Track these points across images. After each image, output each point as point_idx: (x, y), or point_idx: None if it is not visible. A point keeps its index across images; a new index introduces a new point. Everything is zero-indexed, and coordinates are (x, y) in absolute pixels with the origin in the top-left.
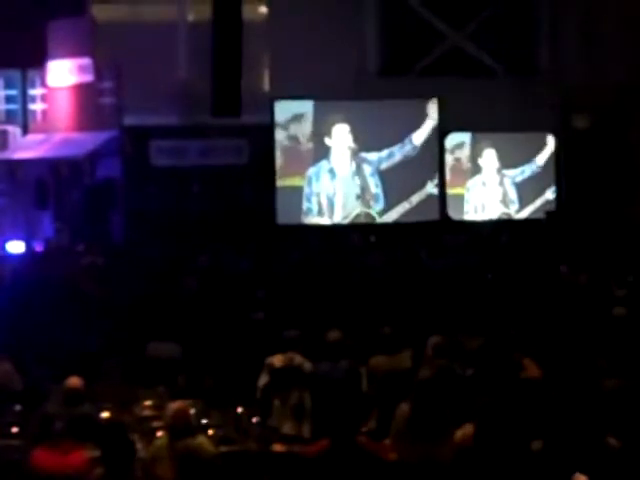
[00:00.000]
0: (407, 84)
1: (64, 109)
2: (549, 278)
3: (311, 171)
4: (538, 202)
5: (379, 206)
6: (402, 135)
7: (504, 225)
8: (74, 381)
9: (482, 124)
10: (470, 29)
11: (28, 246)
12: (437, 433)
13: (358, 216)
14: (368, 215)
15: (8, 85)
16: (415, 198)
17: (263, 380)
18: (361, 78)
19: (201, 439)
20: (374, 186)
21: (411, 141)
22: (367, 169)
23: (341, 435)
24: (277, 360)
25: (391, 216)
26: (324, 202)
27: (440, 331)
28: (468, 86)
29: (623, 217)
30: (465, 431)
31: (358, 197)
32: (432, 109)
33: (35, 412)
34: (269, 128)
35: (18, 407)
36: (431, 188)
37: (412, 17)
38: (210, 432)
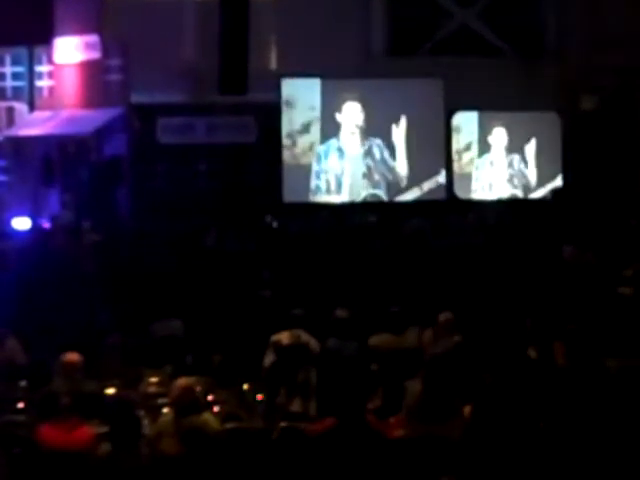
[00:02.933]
0: (414, 63)
1: (71, 86)
2: (555, 257)
3: (320, 149)
4: (545, 182)
5: (388, 188)
6: (410, 114)
7: (511, 204)
8: (71, 356)
9: (489, 104)
10: (478, 8)
11: (34, 223)
12: (448, 410)
13: (366, 197)
14: (376, 196)
15: (15, 62)
16: (426, 185)
17: (269, 359)
18: (368, 57)
19: (207, 416)
20: (383, 167)
21: (419, 121)
22: (377, 150)
23: (348, 413)
24: (284, 338)
25: (400, 199)
26: (332, 180)
27: (447, 309)
28: (475, 65)
29: (629, 198)
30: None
31: (365, 176)
32: (439, 88)
33: (40, 388)
34: (276, 106)
35: (23, 383)
36: (442, 178)
37: None
38: (216, 409)
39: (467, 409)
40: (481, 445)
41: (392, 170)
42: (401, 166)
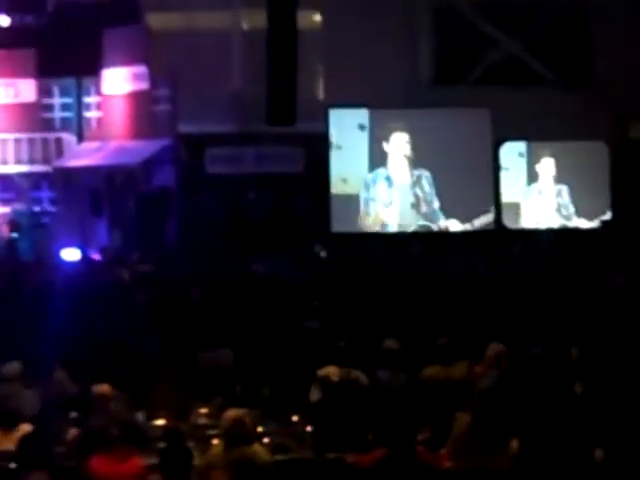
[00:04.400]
0: (460, 93)
1: (119, 117)
2: (604, 287)
3: (369, 177)
4: (594, 211)
5: (437, 220)
6: (457, 144)
7: (560, 234)
8: (102, 387)
9: (537, 133)
10: (524, 37)
11: (83, 254)
12: (496, 443)
13: (415, 227)
14: (424, 227)
15: (63, 93)
16: (475, 215)
17: (316, 394)
18: (414, 87)
19: (257, 447)
20: (432, 199)
21: (467, 151)
22: (425, 182)
23: (397, 444)
24: (332, 374)
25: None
26: (380, 210)
27: (497, 340)
28: (522, 95)
29: None
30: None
31: (413, 206)
32: (486, 118)
33: (90, 419)
34: (324, 136)
35: (74, 414)
36: (490, 208)
37: (465, 25)
38: (266, 440)
39: (515, 442)
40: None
41: (440, 200)
42: (449, 197)
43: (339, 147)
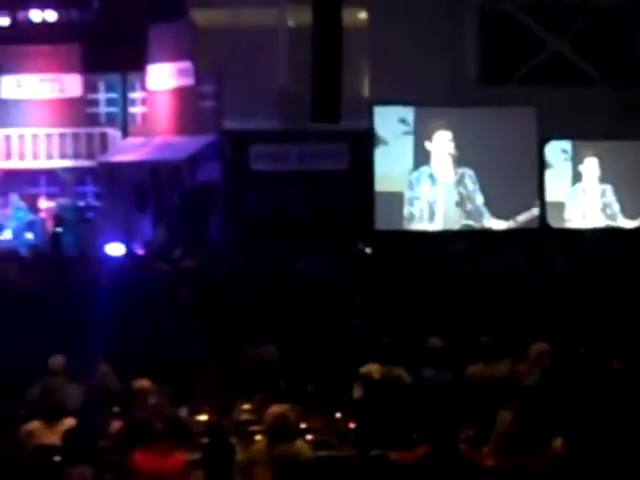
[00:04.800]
0: (506, 92)
1: (164, 112)
2: None
3: (412, 176)
4: (638, 211)
5: (481, 219)
6: (502, 143)
7: (605, 233)
8: (142, 382)
9: (582, 132)
10: (570, 36)
11: (127, 249)
12: (538, 441)
13: (459, 226)
14: (468, 225)
15: (109, 88)
16: (519, 214)
17: (359, 391)
18: (460, 86)
19: (300, 444)
20: (475, 198)
21: (511, 150)
22: (469, 181)
23: (440, 442)
24: (374, 371)
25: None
26: (425, 208)
27: (540, 339)
28: (568, 94)
29: None
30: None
31: (458, 205)
32: (531, 117)
33: (133, 414)
34: (369, 133)
35: (116, 409)
36: (535, 207)
37: (511, 24)
38: (309, 437)
39: (558, 441)
40: (574, 478)
41: (483, 200)
42: (494, 195)
43: (385, 142)
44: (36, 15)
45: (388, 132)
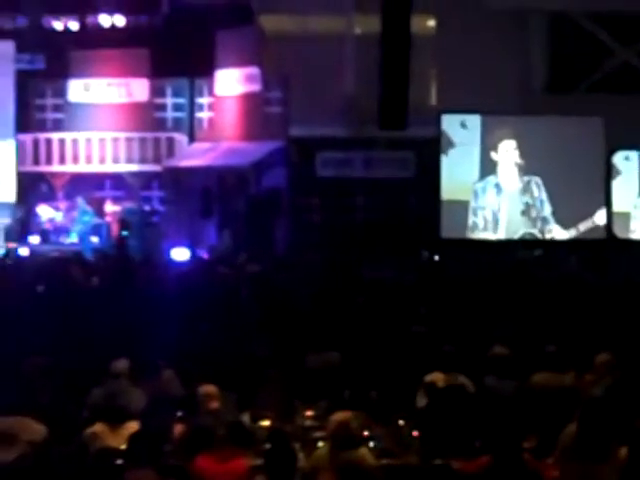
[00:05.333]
0: (573, 101)
1: (231, 118)
2: None
3: (478, 186)
4: None
5: (545, 227)
6: (568, 153)
7: None
8: (207, 388)
9: None
10: (638, 45)
11: (192, 253)
12: (603, 453)
13: (523, 235)
14: (533, 235)
15: (176, 93)
16: (585, 224)
17: (423, 400)
18: (527, 94)
19: (363, 451)
20: (542, 206)
21: (578, 159)
22: (535, 188)
23: (504, 451)
24: (438, 379)
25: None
26: (489, 217)
27: (605, 349)
28: (636, 103)
29: None
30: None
31: (523, 214)
32: (598, 126)
33: (196, 418)
34: (435, 141)
35: (180, 413)
36: (601, 217)
37: (579, 32)
38: (371, 444)
39: (623, 451)
40: None
41: (550, 208)
42: (560, 204)
43: (453, 145)
44: (105, 20)
45: (455, 140)
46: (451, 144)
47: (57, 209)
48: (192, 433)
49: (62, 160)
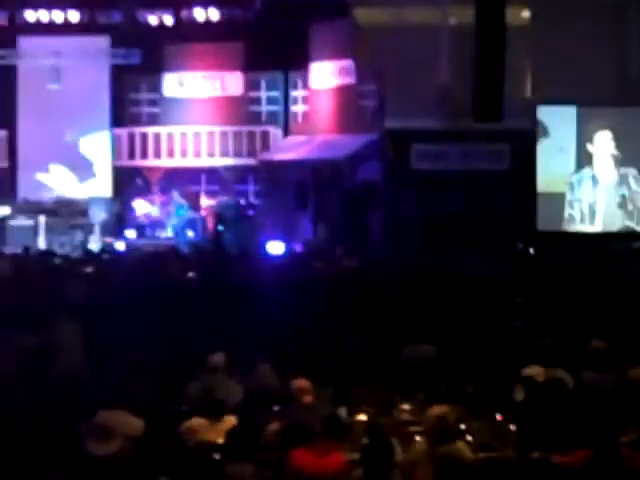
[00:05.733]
0: None
1: (325, 111)
2: None
3: (574, 178)
4: None
5: None
6: None
7: None
8: (300, 382)
9: None
10: None
11: (287, 247)
12: None
13: (620, 227)
14: (630, 227)
15: (270, 87)
16: None
17: (521, 393)
18: (623, 85)
19: (460, 445)
20: (639, 199)
21: None
22: (632, 180)
23: (603, 445)
24: (537, 373)
25: None
26: (586, 210)
27: None
28: None
29: None
30: None
31: (620, 206)
32: None
33: (292, 413)
34: (531, 133)
35: (277, 407)
36: None
37: None
38: (469, 438)
39: None
40: None
41: None
42: None
43: (548, 136)
44: (200, 14)
45: (551, 132)
46: (546, 136)
47: (153, 203)
48: (288, 428)
49: (157, 154)
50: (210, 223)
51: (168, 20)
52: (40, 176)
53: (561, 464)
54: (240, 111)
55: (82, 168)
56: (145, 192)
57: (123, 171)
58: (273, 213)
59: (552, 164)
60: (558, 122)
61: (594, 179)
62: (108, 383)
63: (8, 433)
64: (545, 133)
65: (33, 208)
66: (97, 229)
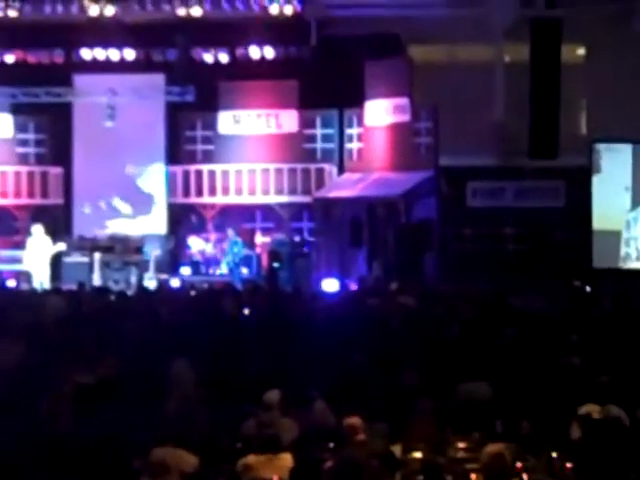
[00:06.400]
0: None
1: (380, 148)
2: None
3: (630, 215)
4: None
5: None
6: None
7: None
8: (352, 420)
9: None
10: None
11: (342, 284)
12: None
13: None
14: None
15: (325, 124)
16: None
17: (577, 431)
18: None
19: None
20: None
21: None
22: None
23: None
24: (593, 411)
25: None
26: None
27: None
28: None
29: None
30: None
31: None
32: None
33: (344, 450)
34: (586, 170)
35: (332, 445)
36: None
37: None
38: (525, 477)
39: None
40: None
41: None
42: None
43: (603, 174)
44: (255, 52)
45: (606, 169)
46: (602, 173)
47: (207, 240)
48: (338, 465)
49: (212, 191)
50: (265, 260)
51: (223, 58)
52: (95, 212)
53: None
54: (295, 148)
55: (141, 202)
56: (200, 229)
57: (178, 208)
58: (328, 250)
59: (608, 201)
60: (614, 159)
61: None
62: (163, 420)
63: (63, 469)
64: (600, 170)
65: (88, 245)
66: (152, 266)
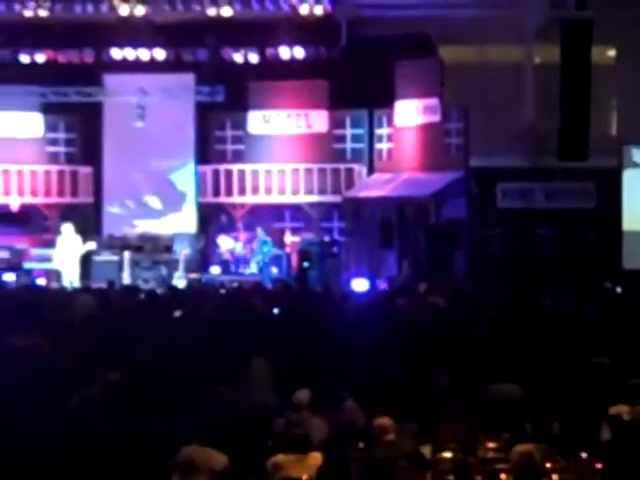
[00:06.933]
0: None
1: (410, 149)
2: None
3: None
4: None
5: None
6: None
7: None
8: (382, 420)
9: None
10: None
11: (371, 284)
12: None
13: None
14: None
15: (355, 124)
16: None
17: (607, 433)
18: None
19: None
20: None
21: None
22: None
23: None
24: (624, 412)
25: None
26: None
27: None
28: None
29: None
30: None
31: None
32: None
33: (373, 450)
34: (616, 172)
35: (361, 445)
36: None
37: None
38: (554, 477)
39: None
40: None
41: None
42: None
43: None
44: (285, 52)
45: (636, 171)
46: (632, 175)
47: (237, 240)
48: (368, 465)
49: (242, 191)
50: (294, 260)
51: (253, 58)
52: (124, 211)
53: None
54: (325, 148)
55: (172, 199)
56: (229, 229)
57: (208, 207)
58: (357, 250)
59: (638, 203)
60: None
61: None
62: (192, 418)
63: (93, 468)
64: (631, 173)
65: (118, 244)
66: (181, 265)
